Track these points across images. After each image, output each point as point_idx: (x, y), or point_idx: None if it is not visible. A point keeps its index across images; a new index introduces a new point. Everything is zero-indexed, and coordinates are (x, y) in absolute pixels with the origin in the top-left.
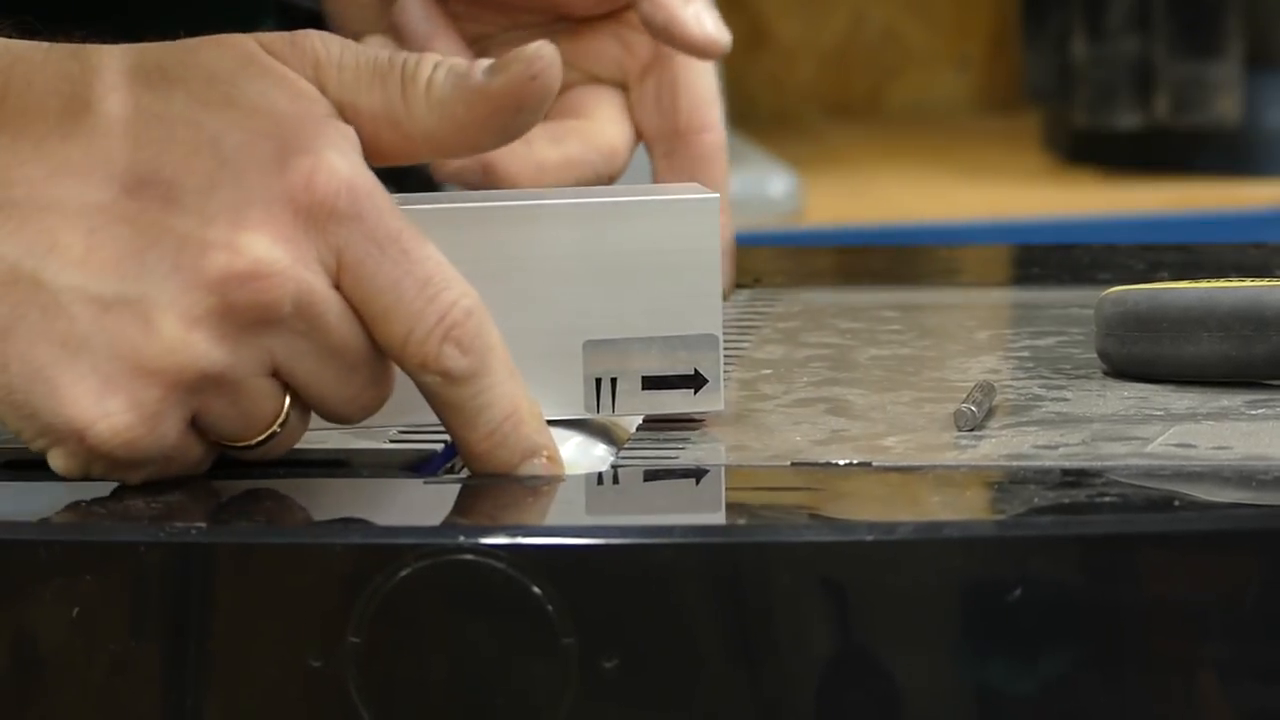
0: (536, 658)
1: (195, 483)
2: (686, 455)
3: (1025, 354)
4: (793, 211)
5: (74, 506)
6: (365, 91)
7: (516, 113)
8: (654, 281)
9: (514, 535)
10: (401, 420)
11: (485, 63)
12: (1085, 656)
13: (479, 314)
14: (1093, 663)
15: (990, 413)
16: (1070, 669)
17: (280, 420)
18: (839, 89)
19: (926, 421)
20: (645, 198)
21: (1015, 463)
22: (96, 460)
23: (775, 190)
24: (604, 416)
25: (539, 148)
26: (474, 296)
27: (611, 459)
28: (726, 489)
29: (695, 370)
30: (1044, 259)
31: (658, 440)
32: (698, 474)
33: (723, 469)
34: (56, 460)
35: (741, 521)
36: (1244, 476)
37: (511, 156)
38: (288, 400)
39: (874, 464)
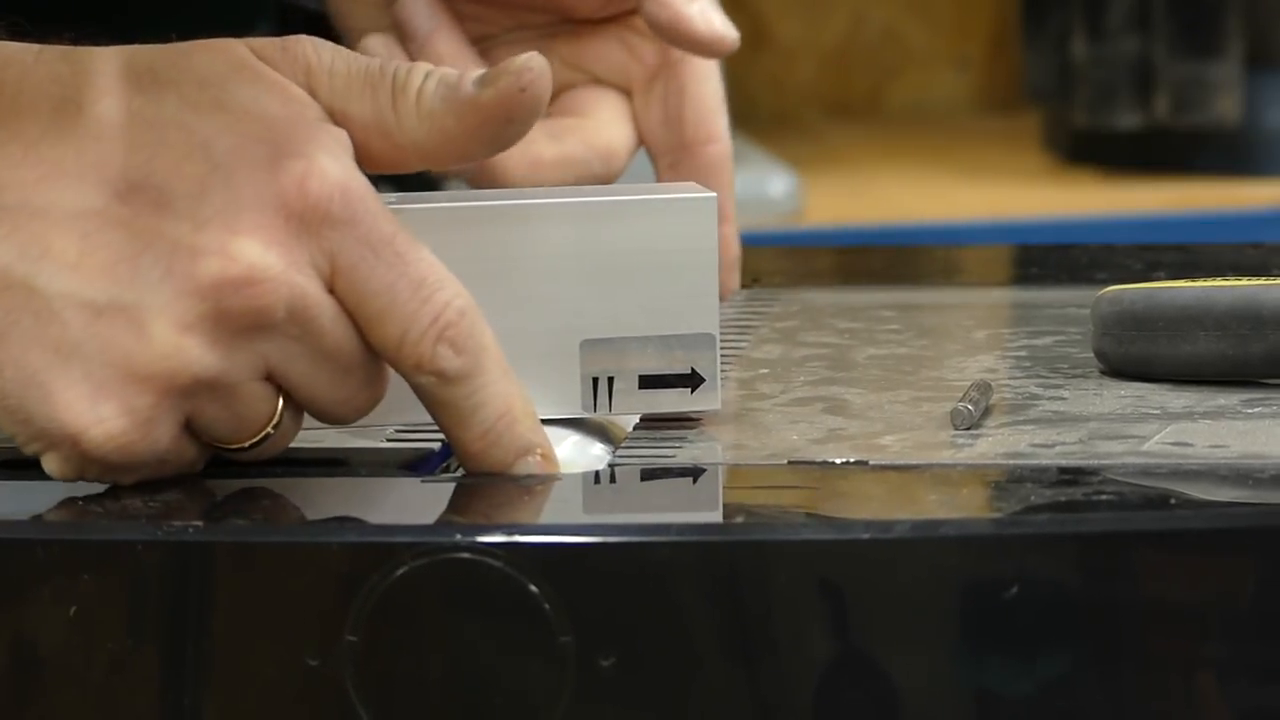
0: (534, 656)
1: (192, 482)
2: (684, 454)
3: (1022, 353)
4: (793, 211)
5: (71, 505)
6: (356, 99)
7: (506, 124)
8: (651, 280)
9: (511, 534)
10: (398, 419)
11: (475, 74)
12: (1082, 655)
13: (472, 314)
14: (1090, 661)
15: (987, 412)
16: (1067, 667)
17: (274, 422)
18: (839, 89)
19: (924, 420)
20: (642, 197)
21: (1012, 461)
22: (90, 464)
23: (775, 190)
24: (601, 415)
25: (536, 144)
26: (467, 297)
27: (609, 458)
28: (724, 488)
29: (692, 369)
30: (1042, 259)
31: (655, 439)
32: (695, 473)
33: (720, 468)
34: (51, 464)
35: (739, 520)
36: (1240, 475)
37: (507, 151)
38: (281, 403)
39: (871, 463)
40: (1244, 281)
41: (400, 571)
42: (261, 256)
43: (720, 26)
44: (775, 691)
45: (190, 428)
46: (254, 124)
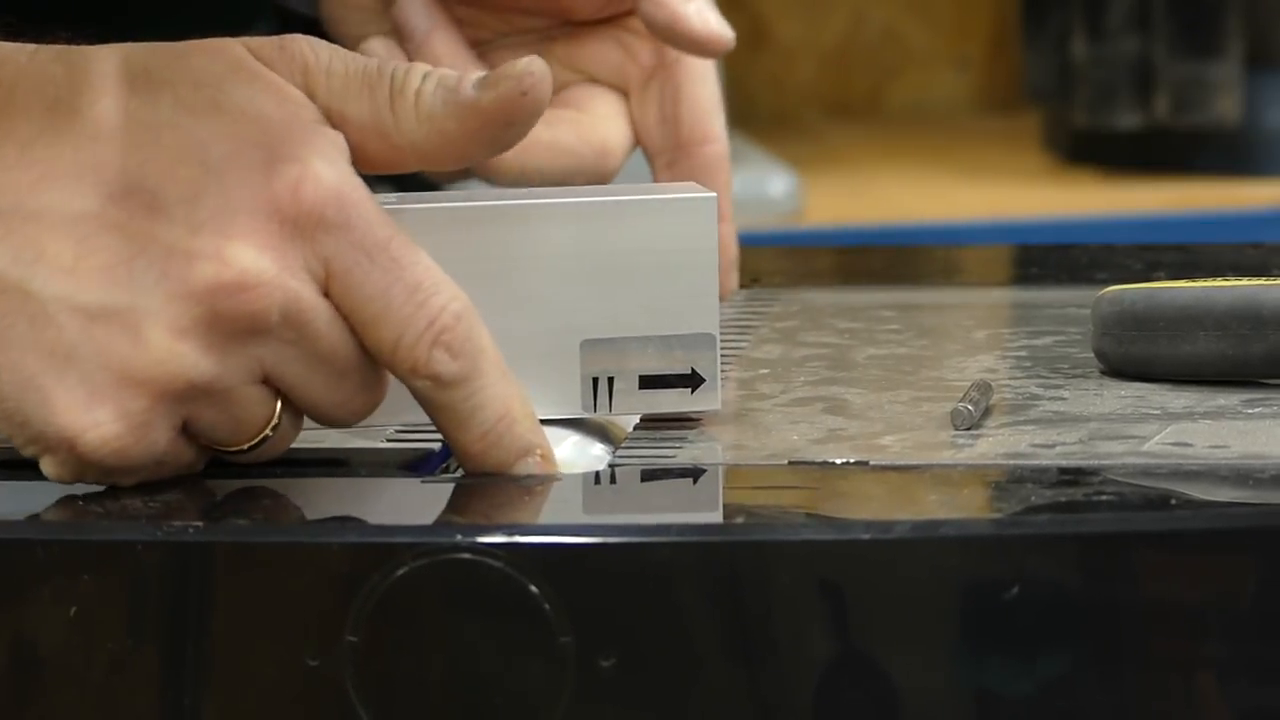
0: (534, 656)
1: (193, 482)
2: (684, 454)
3: (1023, 353)
4: (793, 211)
5: (71, 506)
6: (354, 100)
7: (506, 127)
8: (651, 280)
9: (511, 534)
10: (398, 420)
11: (475, 76)
12: (1082, 655)
13: (468, 317)
14: (1090, 661)
15: (987, 412)
16: (1067, 668)
17: (272, 425)
18: (839, 89)
19: (924, 421)
20: (642, 197)
21: (1012, 461)
22: (87, 467)
23: (775, 190)
24: (601, 416)
25: None
26: (464, 300)
27: (609, 458)
28: (724, 488)
29: (692, 369)
30: (1042, 259)
31: (655, 439)
32: (695, 473)
33: (720, 468)
34: (48, 467)
35: (739, 520)
36: (1241, 475)
37: None
38: (279, 405)
39: (871, 463)
40: (1244, 282)
41: (400, 572)
42: (255, 261)
43: (716, 26)
44: (775, 692)
45: (188, 431)
46: (249, 126)
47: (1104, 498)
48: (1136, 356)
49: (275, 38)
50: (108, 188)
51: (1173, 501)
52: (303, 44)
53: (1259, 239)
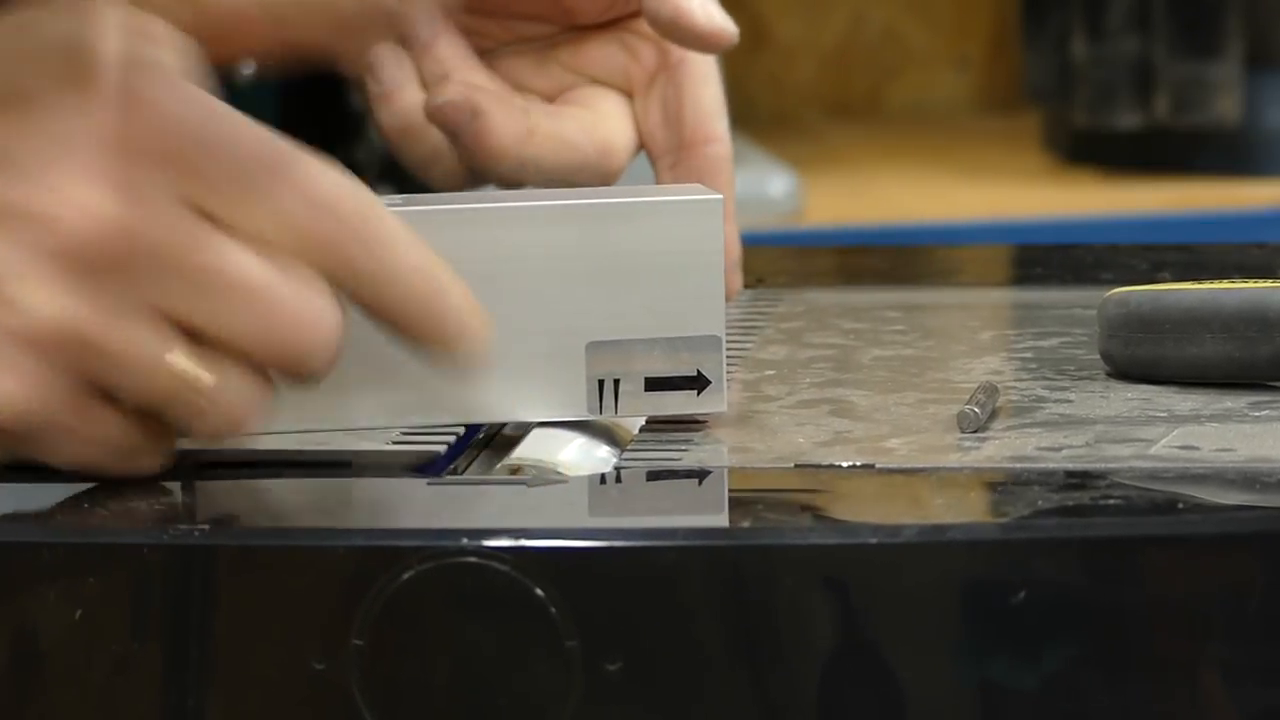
0: (540, 660)
1: (198, 484)
2: (690, 457)
3: (1028, 355)
4: (793, 211)
5: (77, 508)
6: None
7: None
8: (657, 282)
9: (517, 537)
10: (404, 421)
11: None
12: (1090, 659)
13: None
14: (1097, 666)
15: (994, 414)
16: (1075, 672)
17: (185, 370)
18: (839, 89)
19: (930, 423)
20: (649, 199)
21: (1019, 465)
22: (4, 439)
23: (775, 190)
24: (606, 418)
25: (532, 116)
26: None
27: (614, 461)
28: (730, 491)
29: (698, 371)
30: (1046, 259)
31: (661, 442)
32: (701, 476)
33: (726, 471)
34: None
35: (745, 524)
36: (1248, 478)
37: (506, 111)
38: (183, 350)
39: (877, 466)
40: (1251, 284)
41: (406, 575)
42: (98, 198)
43: (720, 20)
44: (782, 696)
45: (110, 399)
46: (72, 63)
47: (1111, 501)
48: (1143, 358)
49: None
50: None
51: (1180, 505)
52: None
53: (1259, 239)
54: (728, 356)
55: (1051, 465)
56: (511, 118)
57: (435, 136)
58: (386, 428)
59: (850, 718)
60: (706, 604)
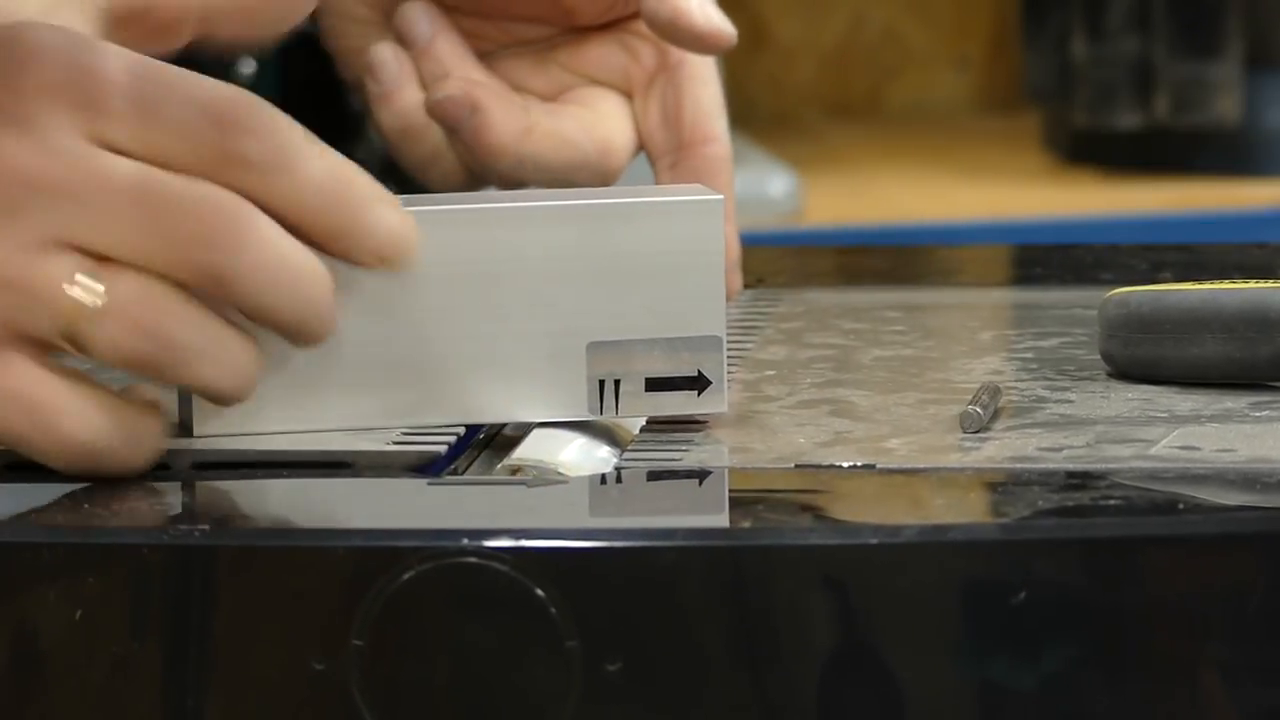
0: (540, 660)
1: (198, 484)
2: (690, 457)
3: (1029, 355)
4: (793, 211)
5: (77, 508)
6: None
7: None
8: (658, 283)
9: (518, 538)
10: (404, 421)
11: None
12: (1090, 660)
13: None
14: (1098, 666)
15: (995, 415)
16: (1075, 672)
17: (89, 291)
18: (839, 89)
19: (930, 423)
20: (649, 199)
21: (1019, 465)
22: None
23: (775, 190)
24: (607, 418)
25: (532, 113)
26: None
27: (615, 461)
28: (730, 491)
29: (699, 372)
30: (1046, 259)
31: (661, 442)
32: (701, 476)
33: (726, 471)
34: None
35: (745, 524)
36: (1248, 479)
37: (505, 108)
38: (87, 275)
39: (878, 466)
40: (1251, 284)
41: (407, 576)
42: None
43: (718, 21)
44: (782, 696)
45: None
46: None
47: (1111, 502)
48: (1143, 359)
49: None
50: None
51: (1180, 506)
52: None
53: (1259, 239)
54: (729, 356)
55: (1052, 466)
56: (511, 114)
57: (435, 137)
58: (385, 428)
59: (850, 718)
60: (707, 604)
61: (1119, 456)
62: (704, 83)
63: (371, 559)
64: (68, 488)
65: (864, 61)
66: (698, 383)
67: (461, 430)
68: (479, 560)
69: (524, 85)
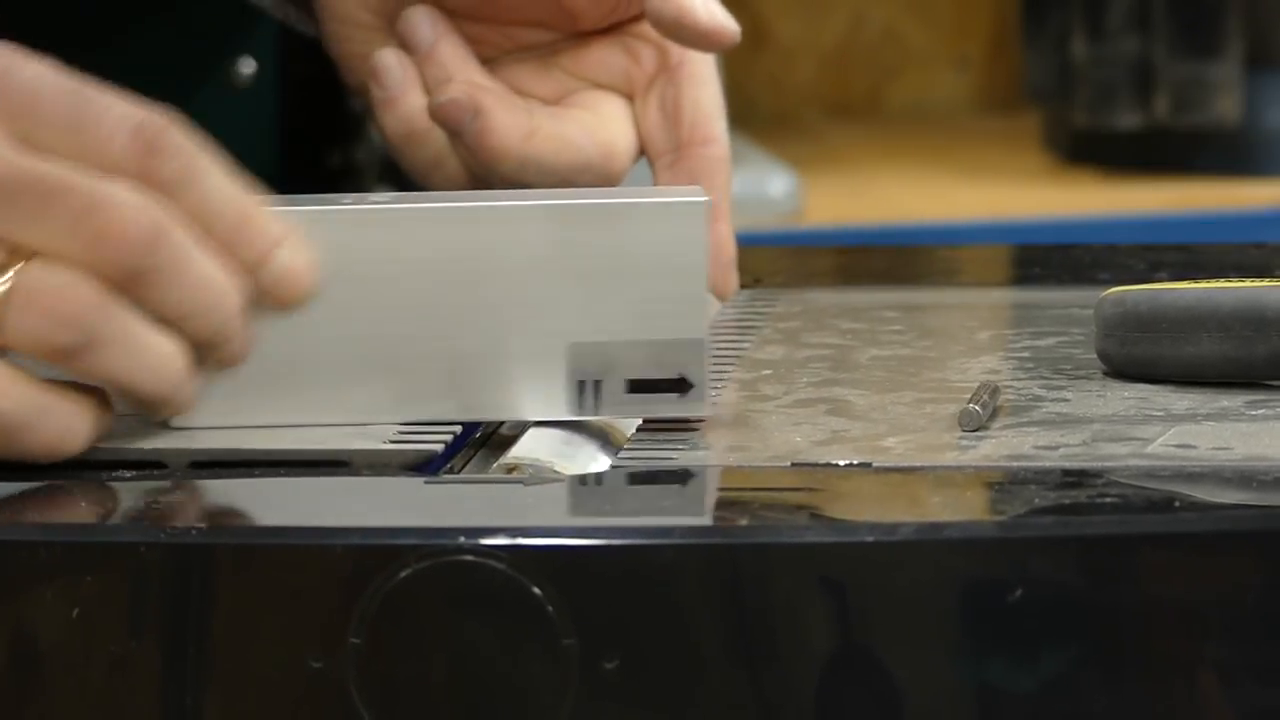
0: (537, 659)
1: (195, 483)
2: (686, 456)
3: (1026, 354)
4: (793, 211)
5: (74, 506)
6: None
7: None
8: (640, 284)
9: (514, 536)
10: (400, 419)
11: None
12: (1086, 657)
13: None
14: (1094, 664)
15: (994, 414)
16: (1071, 670)
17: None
18: (839, 89)
19: (927, 422)
20: (632, 200)
21: (1016, 463)
22: None
23: (775, 190)
24: (589, 417)
25: (535, 116)
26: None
27: (611, 460)
28: (727, 490)
29: (680, 375)
30: (1044, 259)
31: (657, 441)
32: (698, 474)
33: (722, 470)
34: None
35: (742, 522)
36: (1244, 477)
37: (508, 111)
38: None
39: (874, 465)
40: (1247, 283)
41: (404, 574)
42: None
43: (722, 19)
44: (778, 694)
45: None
46: None
47: (1107, 500)
48: (1140, 358)
49: None
50: None
51: (1176, 504)
52: None
53: (1259, 239)
54: (725, 356)
55: (1048, 464)
56: (513, 117)
57: (438, 141)
58: (373, 423)
59: (846, 716)
60: (703, 602)
61: (1115, 455)
62: (703, 83)
63: (369, 557)
64: (65, 486)
65: (864, 61)
66: (680, 385)
67: (458, 429)
68: (476, 558)
69: (527, 89)
